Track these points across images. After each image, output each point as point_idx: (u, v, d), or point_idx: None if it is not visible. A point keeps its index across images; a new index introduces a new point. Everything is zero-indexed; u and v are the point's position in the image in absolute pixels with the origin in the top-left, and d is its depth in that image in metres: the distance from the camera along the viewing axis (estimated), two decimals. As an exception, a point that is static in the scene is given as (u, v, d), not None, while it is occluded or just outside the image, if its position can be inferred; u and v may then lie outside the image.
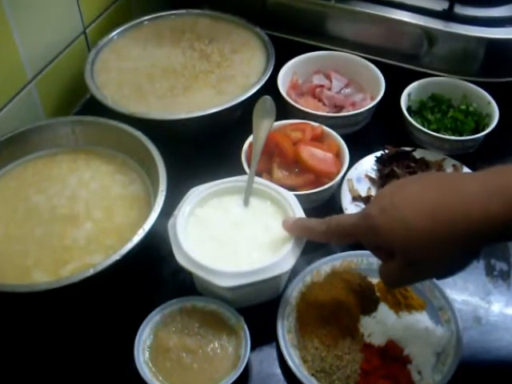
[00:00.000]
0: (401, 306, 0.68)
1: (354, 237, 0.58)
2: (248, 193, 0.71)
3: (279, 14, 0.97)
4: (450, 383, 0.61)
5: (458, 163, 0.83)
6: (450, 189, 0.52)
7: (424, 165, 0.82)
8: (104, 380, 0.65)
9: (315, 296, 0.68)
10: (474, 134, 0.84)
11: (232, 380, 0.60)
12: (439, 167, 0.82)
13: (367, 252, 0.72)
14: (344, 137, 0.81)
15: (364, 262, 0.72)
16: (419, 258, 0.52)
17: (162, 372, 0.61)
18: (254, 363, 0.65)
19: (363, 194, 0.80)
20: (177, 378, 0.61)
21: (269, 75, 0.86)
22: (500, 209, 0.48)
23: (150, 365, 0.62)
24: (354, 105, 0.89)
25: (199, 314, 0.65)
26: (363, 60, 0.92)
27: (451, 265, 0.54)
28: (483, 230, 0.50)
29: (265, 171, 0.78)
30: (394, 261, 0.54)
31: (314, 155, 0.77)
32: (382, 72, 0.90)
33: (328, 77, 0.93)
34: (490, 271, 0.74)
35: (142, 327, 0.63)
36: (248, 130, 0.78)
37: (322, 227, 0.60)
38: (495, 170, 0.52)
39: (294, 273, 0.69)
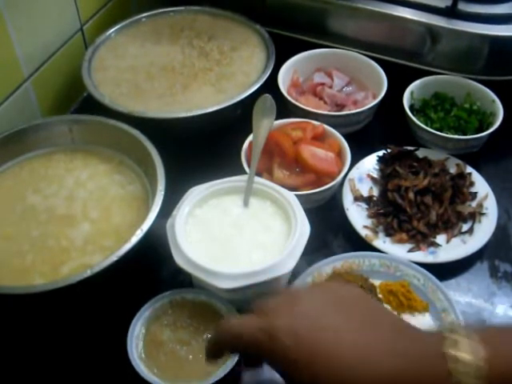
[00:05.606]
0: (403, 307, 0.68)
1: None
2: (248, 193, 0.70)
3: (280, 10, 0.96)
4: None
5: (461, 162, 0.82)
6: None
7: (427, 164, 0.81)
8: (102, 382, 0.65)
9: (316, 298, 0.67)
10: (477, 133, 0.83)
11: (228, 369, 0.59)
12: (442, 166, 0.81)
13: (369, 253, 0.72)
14: (345, 136, 0.80)
15: (366, 263, 0.71)
16: None
17: (158, 366, 0.61)
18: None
19: (365, 193, 0.79)
20: (173, 371, 0.61)
21: (269, 73, 0.85)
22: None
23: (145, 359, 0.61)
24: (355, 103, 0.88)
25: (190, 306, 0.65)
26: (365, 58, 0.91)
27: None
28: None
29: (265, 171, 0.77)
30: None
31: (315, 154, 0.76)
32: (384, 70, 0.89)
33: (329, 75, 0.93)
34: (493, 272, 0.73)
35: (133, 323, 0.63)
36: (248, 129, 0.78)
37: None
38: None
39: (294, 274, 0.69)
